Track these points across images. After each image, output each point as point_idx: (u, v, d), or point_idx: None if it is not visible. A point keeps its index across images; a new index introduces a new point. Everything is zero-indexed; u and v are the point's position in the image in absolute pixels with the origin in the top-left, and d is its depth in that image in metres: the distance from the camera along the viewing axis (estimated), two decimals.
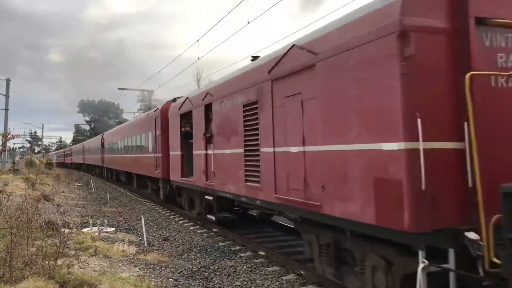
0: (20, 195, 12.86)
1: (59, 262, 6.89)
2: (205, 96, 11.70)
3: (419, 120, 4.54)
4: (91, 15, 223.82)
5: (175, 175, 14.76)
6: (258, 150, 8.43)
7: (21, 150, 79.83)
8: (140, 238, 11.47)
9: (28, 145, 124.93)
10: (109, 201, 20.91)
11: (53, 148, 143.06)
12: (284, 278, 7.75)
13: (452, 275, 4.68)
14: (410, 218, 4.59)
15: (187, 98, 13.73)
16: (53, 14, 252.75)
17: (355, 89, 5.46)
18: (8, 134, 36.13)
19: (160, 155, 16.61)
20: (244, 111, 9.08)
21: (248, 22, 16.51)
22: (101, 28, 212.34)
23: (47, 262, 6.72)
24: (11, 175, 31.17)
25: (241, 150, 9.25)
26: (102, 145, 36.86)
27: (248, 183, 8.92)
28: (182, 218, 15.22)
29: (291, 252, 9.36)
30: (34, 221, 8.19)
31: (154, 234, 12.37)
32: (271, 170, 7.74)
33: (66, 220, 11.07)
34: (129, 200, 21.62)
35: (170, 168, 15.55)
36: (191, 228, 13.27)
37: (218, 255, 9.72)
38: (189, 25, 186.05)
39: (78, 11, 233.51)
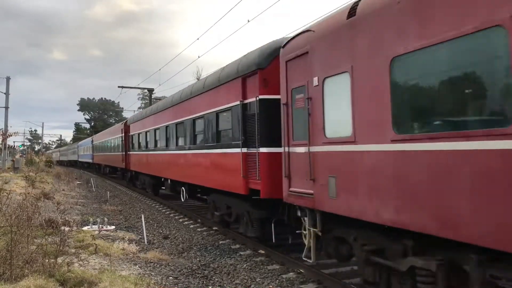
0: (20, 193, 12.87)
1: (59, 260, 6.89)
2: None
3: None
4: (97, 13, 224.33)
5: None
6: None
7: (21, 148, 79.80)
8: (140, 236, 11.48)
9: (28, 143, 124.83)
10: (109, 199, 20.92)
11: (53, 146, 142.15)
12: (284, 276, 7.76)
13: None
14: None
15: None
16: (57, 12, 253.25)
17: None
18: (7, 132, 36.12)
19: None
20: None
21: (248, 21, 16.47)
22: (105, 26, 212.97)
23: (47, 260, 6.72)
24: (11, 173, 31.19)
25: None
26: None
27: None
28: (182, 216, 15.20)
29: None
30: (34, 219, 8.17)
31: (154, 233, 12.38)
32: None
33: (66, 218, 11.08)
34: (129, 198, 21.62)
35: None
36: (191, 226, 13.27)
37: (218, 253, 9.73)
38: (190, 23, 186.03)
39: (83, 9, 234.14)
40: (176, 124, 14.82)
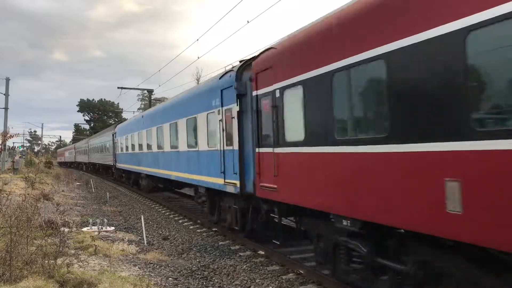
0: (20, 194, 12.87)
1: (58, 261, 6.89)
2: None
3: None
4: (99, 14, 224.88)
5: None
6: None
7: (21, 149, 79.67)
8: (140, 237, 11.47)
9: (28, 144, 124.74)
10: (109, 200, 20.91)
11: (53, 147, 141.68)
12: (283, 277, 7.76)
13: None
14: None
15: None
16: (59, 13, 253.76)
17: None
18: (8, 133, 36.13)
19: None
20: None
21: (248, 22, 16.53)
22: (107, 27, 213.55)
23: (46, 261, 6.72)
24: (10, 174, 31.18)
25: None
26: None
27: None
28: (181, 217, 15.22)
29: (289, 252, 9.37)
30: (33, 220, 8.18)
31: (154, 233, 12.37)
32: None
33: (66, 219, 11.07)
34: (129, 199, 21.62)
35: None
36: (191, 227, 13.27)
37: (218, 254, 9.73)
38: (192, 24, 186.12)
39: (85, 10, 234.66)
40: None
